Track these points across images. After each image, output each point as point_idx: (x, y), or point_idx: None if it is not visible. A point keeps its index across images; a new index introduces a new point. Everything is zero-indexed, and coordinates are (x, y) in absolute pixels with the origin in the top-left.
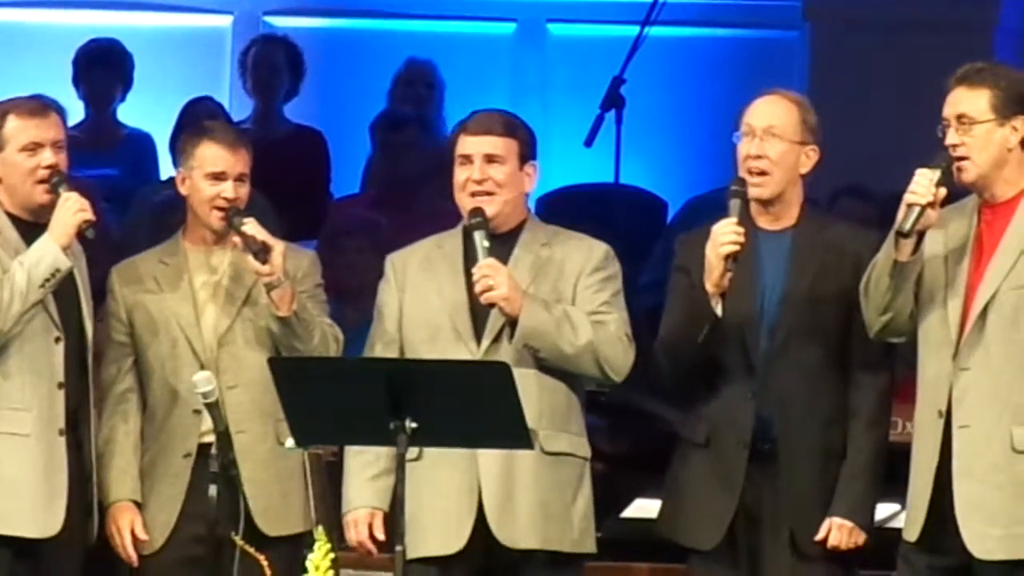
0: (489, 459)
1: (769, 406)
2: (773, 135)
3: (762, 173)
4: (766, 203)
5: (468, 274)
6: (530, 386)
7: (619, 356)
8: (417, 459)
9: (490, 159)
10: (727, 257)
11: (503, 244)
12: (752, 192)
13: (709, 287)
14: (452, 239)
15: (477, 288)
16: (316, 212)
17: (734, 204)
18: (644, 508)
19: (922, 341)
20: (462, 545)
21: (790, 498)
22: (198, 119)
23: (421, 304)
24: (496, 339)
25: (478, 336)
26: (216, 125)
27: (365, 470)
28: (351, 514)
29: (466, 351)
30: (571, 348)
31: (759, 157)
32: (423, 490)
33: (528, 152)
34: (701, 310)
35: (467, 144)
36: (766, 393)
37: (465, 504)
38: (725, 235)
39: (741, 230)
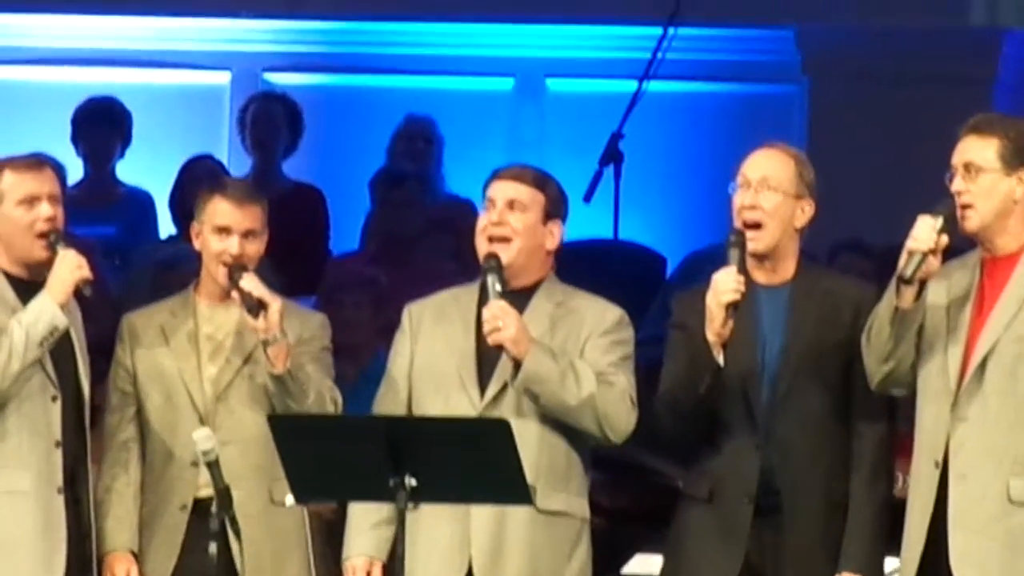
0: (481, 515)
1: (772, 458)
2: (768, 187)
3: (756, 225)
4: (762, 257)
5: (479, 325)
6: (530, 442)
7: (620, 417)
8: (415, 510)
9: (512, 204)
10: (728, 306)
11: (517, 299)
12: (748, 246)
13: (710, 336)
14: (469, 293)
15: (485, 328)
16: (315, 269)
17: (733, 254)
18: (645, 563)
19: (921, 391)
20: None
21: (793, 551)
22: (197, 177)
23: (430, 353)
24: (501, 390)
25: (482, 385)
26: (230, 181)
27: (367, 517)
28: (350, 561)
29: (468, 400)
30: (573, 400)
31: (753, 207)
32: (418, 541)
33: (555, 210)
34: (703, 360)
35: (493, 188)
36: (769, 445)
37: (456, 559)
38: (726, 283)
39: (741, 279)
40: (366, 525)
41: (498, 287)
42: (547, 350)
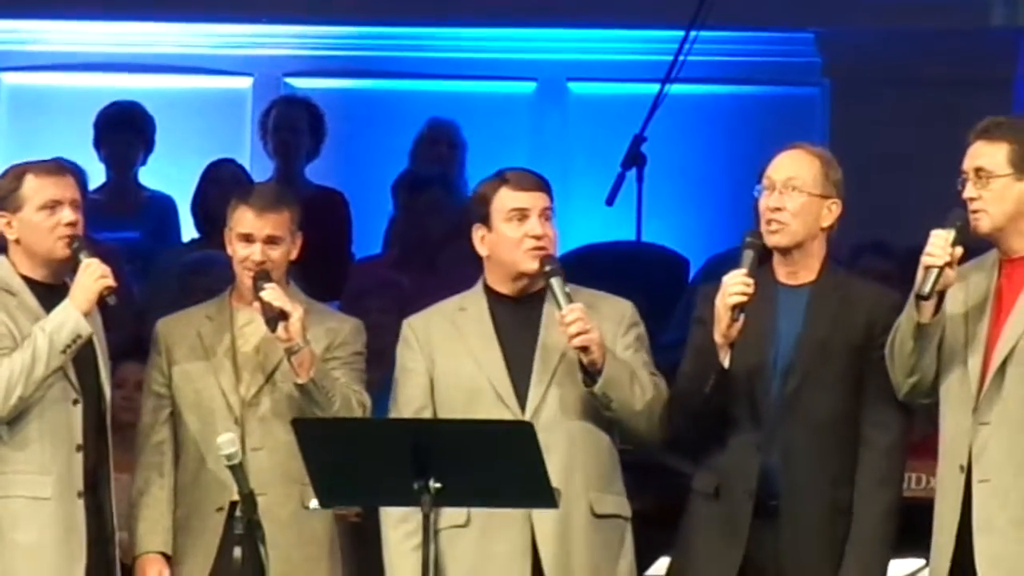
0: (545, 523)
1: (775, 459)
2: (793, 188)
3: (780, 227)
4: (785, 255)
5: (499, 334)
6: (580, 448)
7: (664, 419)
8: (464, 526)
9: (544, 214)
10: (734, 307)
11: (532, 304)
12: (770, 240)
13: (717, 337)
14: (475, 301)
15: (572, 330)
16: (338, 273)
17: (747, 255)
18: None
19: (944, 398)
20: None
21: (795, 553)
22: (220, 182)
23: (454, 370)
24: (540, 402)
25: (520, 400)
26: (257, 188)
27: (406, 541)
28: None
29: (509, 415)
30: (639, 404)
31: (778, 210)
32: (472, 558)
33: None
34: (708, 360)
35: (521, 199)
36: (772, 446)
37: (520, 567)
38: (733, 285)
39: (750, 281)
40: (407, 548)
41: (567, 288)
42: (615, 355)
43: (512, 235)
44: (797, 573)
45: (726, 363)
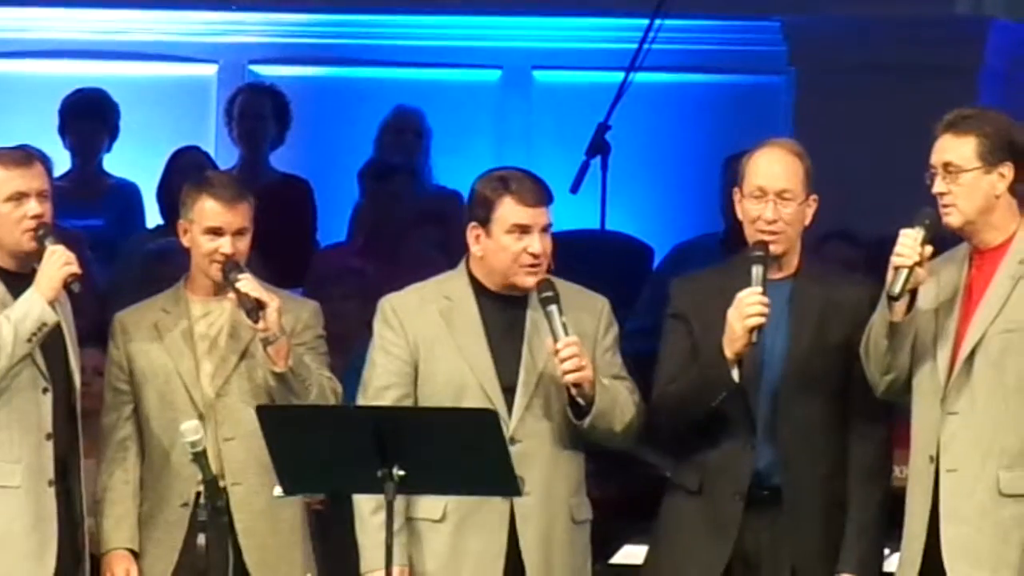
0: (529, 529)
1: (769, 458)
2: (786, 199)
3: (777, 239)
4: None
5: (487, 332)
6: (563, 456)
7: (638, 428)
8: (439, 521)
9: (545, 229)
10: (753, 329)
11: (515, 303)
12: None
13: (729, 354)
14: (460, 290)
15: (567, 365)
16: (302, 260)
17: (757, 272)
18: (632, 554)
19: (915, 389)
20: None
21: (792, 545)
22: (184, 169)
23: (442, 362)
24: (525, 409)
25: (508, 402)
26: (217, 178)
27: (383, 531)
28: (376, 574)
29: None
30: (619, 427)
31: (775, 221)
32: (445, 554)
33: None
34: (718, 375)
35: (526, 215)
36: (766, 445)
37: (491, 571)
38: (752, 306)
39: (767, 300)
40: (383, 538)
41: (564, 319)
42: (602, 382)
43: (512, 248)
44: (793, 562)
45: (737, 378)
